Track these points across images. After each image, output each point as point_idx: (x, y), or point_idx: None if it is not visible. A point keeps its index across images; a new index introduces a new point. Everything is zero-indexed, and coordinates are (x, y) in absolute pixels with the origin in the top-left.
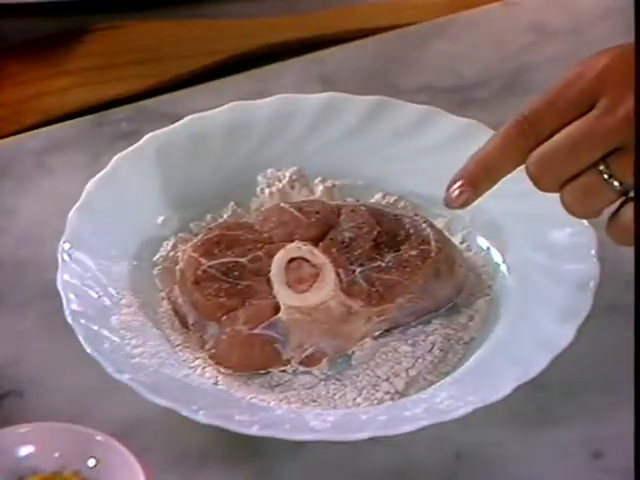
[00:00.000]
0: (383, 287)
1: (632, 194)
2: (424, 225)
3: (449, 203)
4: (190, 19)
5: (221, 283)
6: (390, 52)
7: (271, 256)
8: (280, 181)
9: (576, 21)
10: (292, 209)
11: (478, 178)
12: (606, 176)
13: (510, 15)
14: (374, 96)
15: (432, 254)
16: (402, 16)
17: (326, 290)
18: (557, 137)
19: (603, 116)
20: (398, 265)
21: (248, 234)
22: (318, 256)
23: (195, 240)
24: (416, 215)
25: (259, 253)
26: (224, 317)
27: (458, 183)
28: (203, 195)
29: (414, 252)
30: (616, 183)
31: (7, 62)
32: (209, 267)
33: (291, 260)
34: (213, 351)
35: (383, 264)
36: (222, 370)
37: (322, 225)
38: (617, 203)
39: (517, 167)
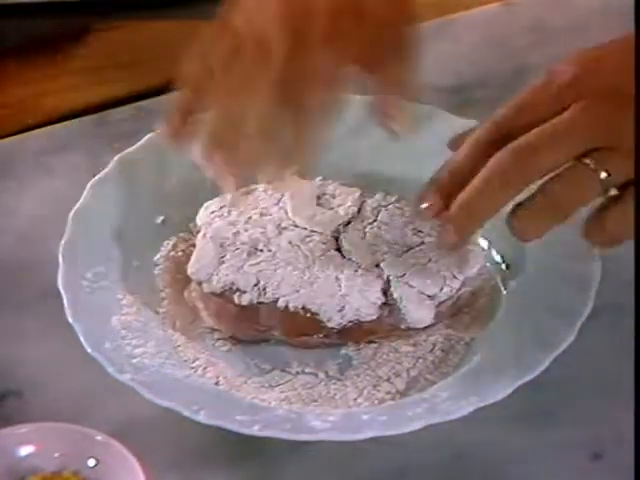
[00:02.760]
0: None
1: (613, 192)
2: None
3: (421, 217)
4: (190, 19)
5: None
6: None
7: None
8: None
9: (576, 21)
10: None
11: (450, 190)
12: (592, 167)
13: (510, 15)
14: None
15: None
16: None
17: None
18: (533, 132)
19: (583, 115)
20: None
21: None
22: None
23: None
24: None
25: None
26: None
27: (429, 196)
28: (203, 195)
29: None
30: (603, 174)
31: (7, 62)
32: None
33: None
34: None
35: None
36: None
37: None
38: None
39: None
